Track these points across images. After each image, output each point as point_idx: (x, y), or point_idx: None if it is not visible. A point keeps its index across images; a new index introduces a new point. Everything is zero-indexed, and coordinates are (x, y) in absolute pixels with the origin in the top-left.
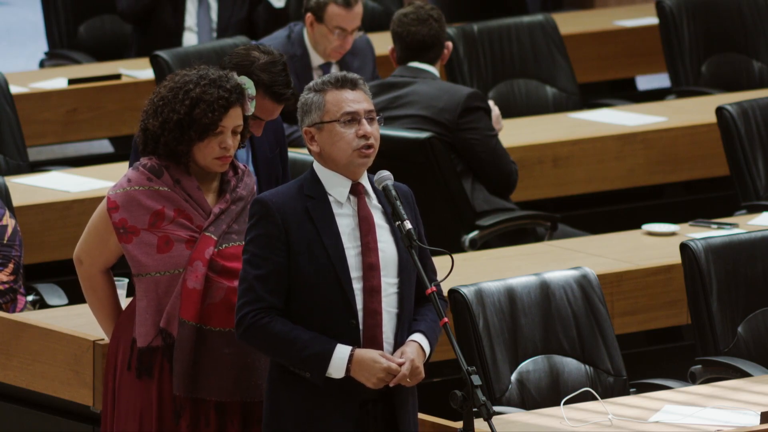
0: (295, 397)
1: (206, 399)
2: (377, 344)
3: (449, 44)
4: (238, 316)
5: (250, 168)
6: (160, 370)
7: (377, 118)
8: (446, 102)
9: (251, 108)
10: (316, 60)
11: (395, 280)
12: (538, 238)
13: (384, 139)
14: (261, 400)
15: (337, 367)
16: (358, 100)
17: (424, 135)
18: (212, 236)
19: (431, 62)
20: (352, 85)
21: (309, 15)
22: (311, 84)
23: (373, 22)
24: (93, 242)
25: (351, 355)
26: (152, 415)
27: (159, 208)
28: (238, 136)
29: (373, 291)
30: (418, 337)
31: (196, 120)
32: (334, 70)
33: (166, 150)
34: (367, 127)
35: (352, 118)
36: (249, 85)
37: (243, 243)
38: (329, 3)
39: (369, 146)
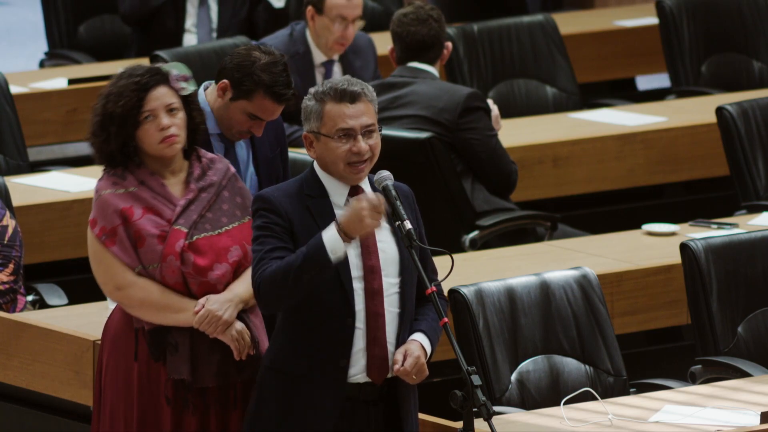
0: (280, 389)
1: (192, 387)
2: (380, 345)
3: (449, 44)
4: (254, 288)
5: (251, 168)
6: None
7: (377, 129)
8: (446, 102)
9: (189, 87)
10: (319, 57)
11: (396, 280)
12: (538, 238)
13: (384, 139)
14: (237, 382)
15: (333, 244)
16: (355, 115)
17: (424, 135)
18: (182, 228)
19: (431, 62)
20: (352, 98)
21: (309, 8)
22: (314, 89)
23: (373, 22)
24: (106, 264)
25: (337, 226)
26: (134, 411)
27: (127, 206)
28: (180, 113)
29: (374, 293)
30: (419, 336)
31: (110, 113)
32: (337, 69)
33: (107, 157)
34: (361, 144)
35: (347, 134)
36: (175, 66)
37: (218, 233)
38: None
39: (362, 162)
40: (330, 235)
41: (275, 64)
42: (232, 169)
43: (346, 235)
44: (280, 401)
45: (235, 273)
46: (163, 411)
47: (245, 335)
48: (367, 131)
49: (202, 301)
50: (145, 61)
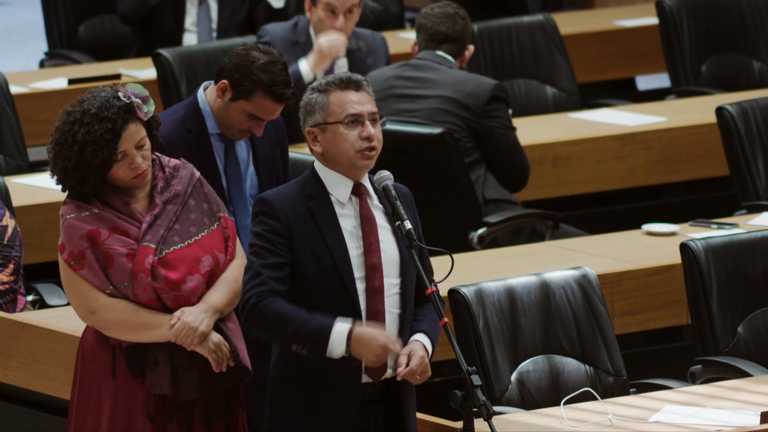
0: (295, 397)
1: (176, 400)
2: None
3: (471, 47)
4: (242, 301)
5: (251, 168)
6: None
7: (381, 120)
8: (474, 87)
9: (150, 109)
10: None
11: (397, 281)
12: (542, 237)
13: (396, 134)
14: (221, 392)
15: (337, 343)
16: (362, 101)
17: (437, 130)
18: (150, 245)
19: (453, 55)
20: (356, 86)
21: (307, 1)
22: (315, 84)
23: (373, 22)
24: (77, 289)
25: (350, 332)
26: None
27: (93, 228)
28: (147, 142)
29: (375, 292)
30: (420, 337)
31: (89, 162)
32: (343, 63)
33: (76, 192)
34: (370, 128)
35: (356, 120)
36: (138, 90)
37: (187, 244)
38: None
39: (372, 148)
40: (338, 336)
41: (274, 64)
42: (197, 174)
43: (349, 347)
44: (298, 410)
45: (208, 283)
46: (143, 428)
47: (223, 347)
48: (372, 119)
49: (177, 314)
50: (144, 61)
